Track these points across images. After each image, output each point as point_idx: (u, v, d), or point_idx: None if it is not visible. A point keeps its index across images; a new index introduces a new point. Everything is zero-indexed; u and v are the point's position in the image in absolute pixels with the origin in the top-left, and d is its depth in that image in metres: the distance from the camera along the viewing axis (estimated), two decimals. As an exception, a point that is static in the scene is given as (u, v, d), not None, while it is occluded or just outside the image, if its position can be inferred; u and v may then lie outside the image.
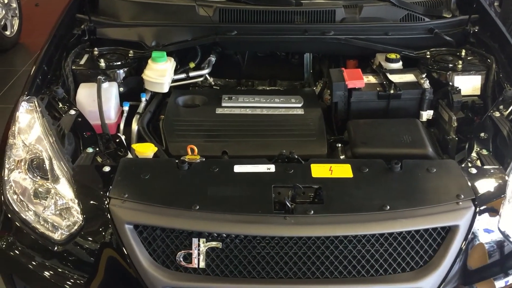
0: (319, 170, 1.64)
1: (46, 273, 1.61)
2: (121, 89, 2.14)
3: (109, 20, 2.34)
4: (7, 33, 5.11)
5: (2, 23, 4.92)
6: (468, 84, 2.11)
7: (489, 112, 1.90)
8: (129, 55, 2.22)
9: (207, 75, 2.34)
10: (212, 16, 2.29)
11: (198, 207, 1.50)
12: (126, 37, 2.29)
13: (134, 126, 1.99)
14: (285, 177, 1.61)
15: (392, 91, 2.02)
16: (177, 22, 2.30)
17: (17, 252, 1.65)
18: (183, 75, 2.26)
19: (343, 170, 1.64)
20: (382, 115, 2.02)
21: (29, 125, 1.77)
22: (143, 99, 2.12)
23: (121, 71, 2.15)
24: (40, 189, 1.69)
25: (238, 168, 1.64)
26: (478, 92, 2.11)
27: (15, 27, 5.22)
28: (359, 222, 1.49)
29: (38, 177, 1.69)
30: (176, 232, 1.50)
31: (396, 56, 2.22)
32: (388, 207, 1.51)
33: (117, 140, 1.85)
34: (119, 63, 2.17)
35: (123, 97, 2.13)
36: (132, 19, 2.35)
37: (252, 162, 1.66)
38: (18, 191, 1.70)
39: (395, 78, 2.10)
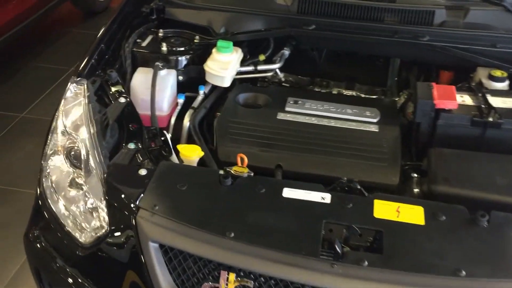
0: (383, 209, 1.37)
1: (68, 278, 1.50)
2: (181, 77, 1.95)
3: (179, 0, 2.16)
4: (99, -3, 5.16)
5: (94, -13, 4.98)
6: None
7: None
8: (195, 40, 2.03)
9: (277, 70, 2.10)
10: (290, 6, 2.04)
11: (233, 234, 1.30)
12: (194, 20, 2.09)
13: (186, 122, 1.81)
14: (341, 212, 1.36)
15: (490, 118, 1.66)
16: (251, 9, 2.07)
17: (41, 248, 1.56)
18: (250, 68, 2.04)
19: (414, 214, 1.35)
20: (474, 146, 1.67)
21: (73, 111, 1.65)
22: (201, 92, 1.92)
23: (183, 58, 1.96)
24: (77, 180, 1.57)
25: (287, 192, 1.41)
26: None
27: (107, -9, 5.27)
28: (424, 286, 1.21)
29: (75, 167, 1.57)
30: (204, 259, 1.31)
31: (502, 74, 1.85)
32: (464, 272, 1.21)
33: (162, 138, 1.68)
34: (182, 48, 1.99)
35: (182, 87, 1.94)
36: (205, 1, 2.15)
37: (305, 186, 1.43)
38: (54, 178, 1.59)
39: (497, 101, 1.73)
